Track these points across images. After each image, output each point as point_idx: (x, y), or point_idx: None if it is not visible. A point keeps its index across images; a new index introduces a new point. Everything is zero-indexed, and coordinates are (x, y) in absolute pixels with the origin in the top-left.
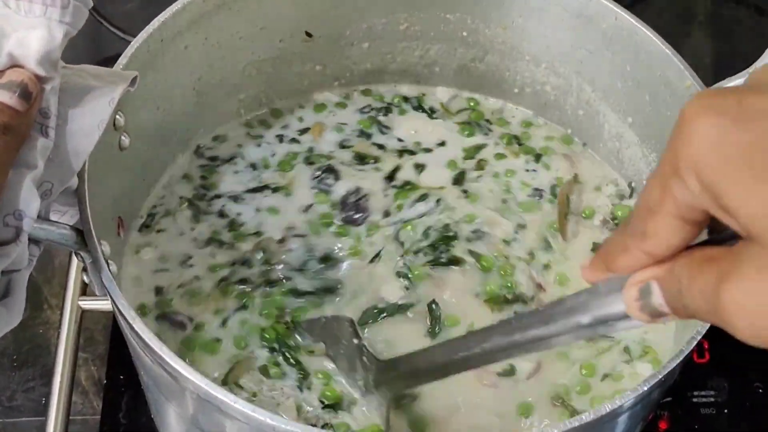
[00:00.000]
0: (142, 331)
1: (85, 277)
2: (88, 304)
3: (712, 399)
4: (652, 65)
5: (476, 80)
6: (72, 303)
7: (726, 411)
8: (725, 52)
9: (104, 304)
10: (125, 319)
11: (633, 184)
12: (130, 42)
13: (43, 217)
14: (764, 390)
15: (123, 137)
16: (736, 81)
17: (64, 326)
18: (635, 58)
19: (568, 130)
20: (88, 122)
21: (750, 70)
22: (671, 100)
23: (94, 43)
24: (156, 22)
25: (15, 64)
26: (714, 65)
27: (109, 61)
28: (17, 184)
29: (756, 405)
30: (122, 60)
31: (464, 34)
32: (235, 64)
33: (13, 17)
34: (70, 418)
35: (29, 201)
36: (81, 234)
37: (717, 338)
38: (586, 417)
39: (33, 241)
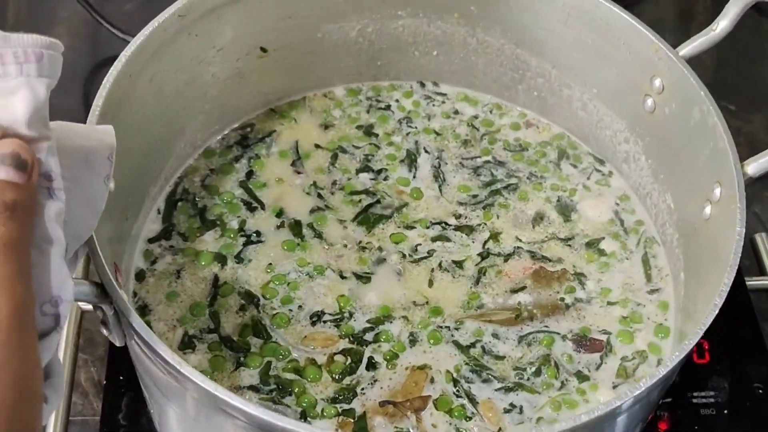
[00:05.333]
0: (181, 366)
1: (104, 330)
2: (87, 305)
3: (712, 400)
4: (614, 35)
5: (434, 72)
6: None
7: (726, 412)
8: (725, 52)
9: None
10: (164, 361)
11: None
12: (129, 42)
13: None
14: (764, 391)
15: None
16: (700, 40)
17: (63, 327)
18: (596, 31)
19: (531, 112)
20: (93, 179)
21: (712, 26)
22: (637, 66)
23: (94, 43)
24: (123, 58)
25: (3, 135)
26: (714, 65)
27: (109, 61)
28: (45, 265)
29: (756, 406)
30: (98, 101)
31: (418, 28)
32: (198, 88)
33: None
34: (70, 418)
35: (63, 282)
36: (99, 287)
37: (717, 339)
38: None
39: None
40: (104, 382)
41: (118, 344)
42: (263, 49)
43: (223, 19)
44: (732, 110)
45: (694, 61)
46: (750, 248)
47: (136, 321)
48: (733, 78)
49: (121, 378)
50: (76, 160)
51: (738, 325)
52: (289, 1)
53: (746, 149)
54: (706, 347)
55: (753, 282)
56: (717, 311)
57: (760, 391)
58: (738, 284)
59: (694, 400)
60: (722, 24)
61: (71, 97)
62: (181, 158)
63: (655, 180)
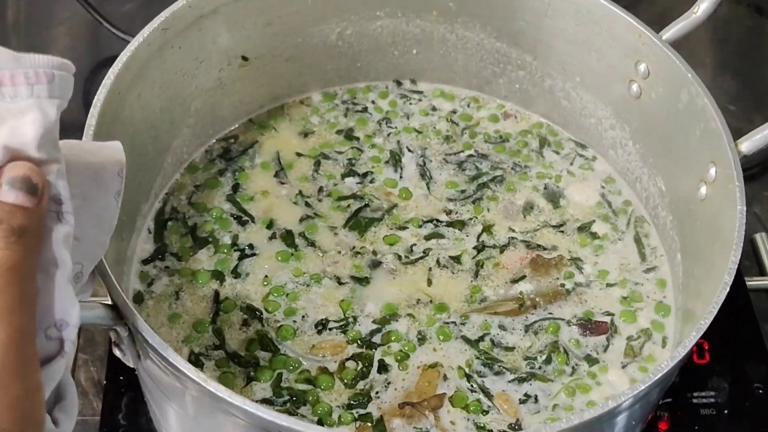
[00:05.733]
0: (203, 381)
1: (117, 352)
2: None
3: (712, 400)
4: (596, 23)
5: (414, 71)
6: None
7: (726, 412)
8: (725, 52)
9: None
10: (188, 378)
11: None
12: (129, 42)
13: None
14: (764, 391)
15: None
16: (682, 23)
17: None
18: (577, 20)
19: (508, 103)
20: (104, 196)
21: (693, 9)
22: (621, 52)
23: (94, 43)
24: (111, 75)
25: (13, 158)
26: (714, 65)
27: (109, 61)
28: (51, 289)
29: (756, 406)
30: (90, 120)
31: (396, 28)
32: (182, 102)
33: (0, 106)
34: None
35: (68, 306)
36: (113, 309)
37: (717, 339)
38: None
39: None
40: (104, 382)
41: (131, 365)
42: (245, 58)
43: (205, 30)
44: (732, 111)
45: (693, 57)
46: (750, 248)
47: (156, 340)
48: (733, 79)
49: (121, 378)
50: (85, 178)
51: (738, 325)
52: (268, 9)
53: None
54: (706, 347)
55: (753, 282)
56: (728, 290)
57: (760, 391)
58: (738, 284)
59: (694, 401)
60: (703, 6)
61: (71, 97)
62: (168, 174)
63: (644, 164)
